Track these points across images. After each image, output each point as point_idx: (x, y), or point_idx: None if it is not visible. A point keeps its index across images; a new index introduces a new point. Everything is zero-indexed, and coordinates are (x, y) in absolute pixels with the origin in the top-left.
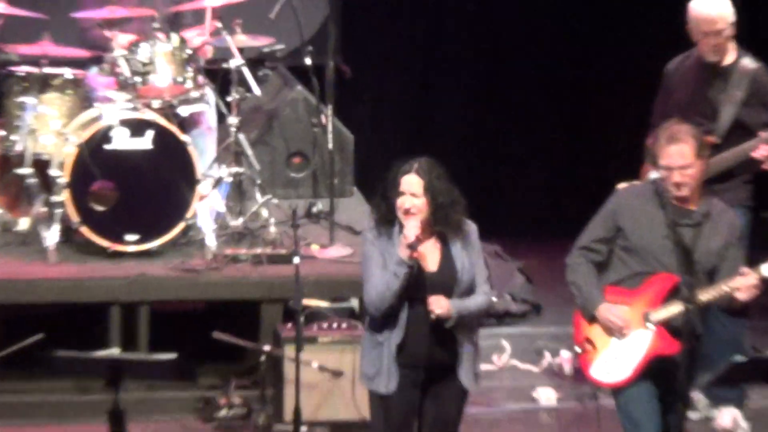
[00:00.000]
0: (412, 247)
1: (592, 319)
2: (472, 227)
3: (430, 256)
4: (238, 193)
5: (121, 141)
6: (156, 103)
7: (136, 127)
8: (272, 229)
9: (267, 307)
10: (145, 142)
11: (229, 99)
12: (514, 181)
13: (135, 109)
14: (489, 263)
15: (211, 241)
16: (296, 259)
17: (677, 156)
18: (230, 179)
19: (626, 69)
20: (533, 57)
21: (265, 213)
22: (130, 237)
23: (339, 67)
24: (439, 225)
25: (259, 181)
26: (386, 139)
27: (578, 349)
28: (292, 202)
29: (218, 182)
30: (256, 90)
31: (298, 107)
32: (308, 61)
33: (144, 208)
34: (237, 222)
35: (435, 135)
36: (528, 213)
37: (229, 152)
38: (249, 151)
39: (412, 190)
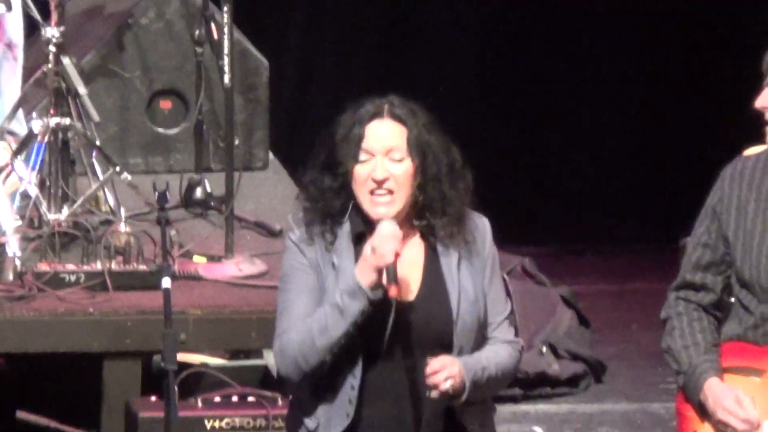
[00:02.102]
0: (389, 273)
1: (703, 408)
2: (482, 226)
3: (409, 273)
4: (61, 163)
5: None
6: None
7: None
8: (123, 227)
9: (113, 366)
10: None
11: None
12: (552, 168)
13: None
14: (510, 288)
15: (13, 250)
16: (166, 281)
17: None
18: (47, 139)
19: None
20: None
21: (110, 199)
22: None
23: None
24: (427, 216)
25: (98, 142)
26: (329, 74)
27: None
28: (158, 179)
29: (26, 143)
30: None
31: (169, 9)
32: None
33: None
34: (60, 215)
35: (418, 86)
36: (578, 213)
37: (44, 90)
38: (81, 89)
39: (387, 145)
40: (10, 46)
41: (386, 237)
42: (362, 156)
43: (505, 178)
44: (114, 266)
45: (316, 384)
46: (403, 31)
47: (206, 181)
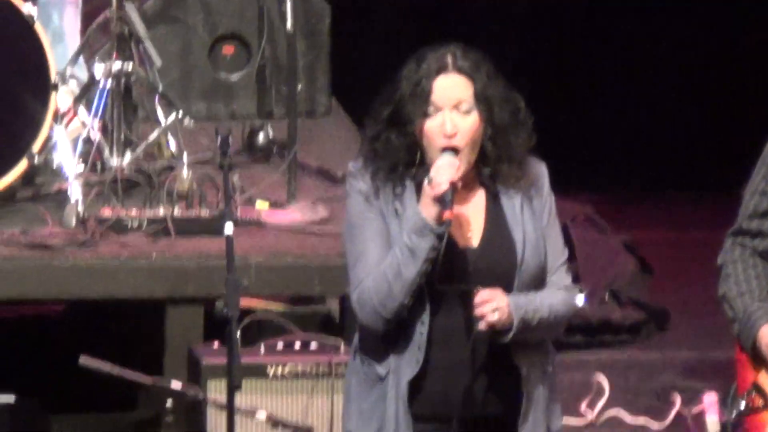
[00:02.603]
0: (444, 201)
1: (758, 355)
2: (540, 170)
3: (472, 220)
4: (123, 108)
5: None
6: None
7: None
8: (185, 173)
9: (176, 312)
10: None
11: None
12: (613, 115)
13: None
14: (573, 236)
15: (75, 196)
16: (228, 227)
17: None
18: (109, 83)
19: None
20: None
21: (171, 145)
22: None
23: None
24: (492, 163)
25: (160, 88)
26: (388, 17)
27: (742, 403)
28: (221, 124)
29: (89, 88)
30: None
31: None
32: None
33: None
34: (122, 160)
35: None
36: (639, 161)
37: (107, 35)
38: (142, 32)
39: (456, 98)
40: None
41: (442, 167)
42: (430, 110)
43: (566, 125)
44: (176, 212)
45: (391, 328)
46: None
47: (269, 127)
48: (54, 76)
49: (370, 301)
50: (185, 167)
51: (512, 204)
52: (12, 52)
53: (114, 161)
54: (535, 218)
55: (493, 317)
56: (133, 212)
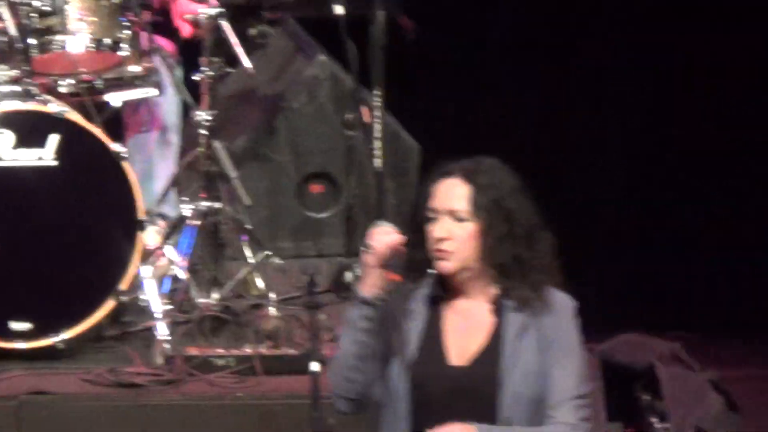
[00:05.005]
0: (388, 265)
1: None
2: (565, 303)
3: (472, 338)
4: (211, 246)
5: (3, 154)
6: (65, 85)
7: (30, 129)
8: (272, 311)
9: None
10: (46, 154)
11: (195, 78)
12: (701, 253)
13: (27, 94)
14: (660, 375)
15: (162, 334)
16: (314, 366)
17: None
18: (197, 222)
19: None
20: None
21: (259, 283)
22: (19, 326)
23: (398, 21)
24: (503, 280)
25: (249, 226)
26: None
27: None
28: (308, 263)
29: (176, 227)
30: (246, 61)
31: (321, 93)
32: (340, 9)
33: (43, 275)
34: (209, 299)
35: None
36: (726, 298)
37: (195, 174)
38: (231, 173)
39: (451, 206)
40: (164, 129)
41: (378, 233)
42: (431, 214)
43: (656, 263)
44: (263, 350)
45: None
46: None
47: (356, 266)
48: (142, 215)
49: (331, 375)
50: (272, 306)
51: (514, 327)
52: (100, 189)
53: (201, 300)
54: (541, 347)
55: None
56: (220, 351)
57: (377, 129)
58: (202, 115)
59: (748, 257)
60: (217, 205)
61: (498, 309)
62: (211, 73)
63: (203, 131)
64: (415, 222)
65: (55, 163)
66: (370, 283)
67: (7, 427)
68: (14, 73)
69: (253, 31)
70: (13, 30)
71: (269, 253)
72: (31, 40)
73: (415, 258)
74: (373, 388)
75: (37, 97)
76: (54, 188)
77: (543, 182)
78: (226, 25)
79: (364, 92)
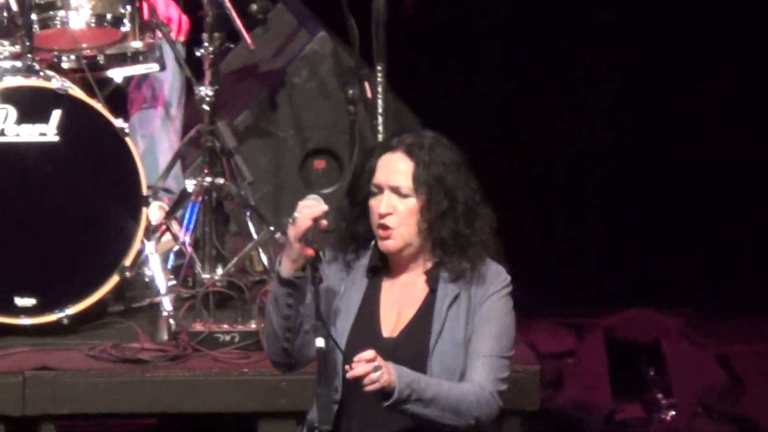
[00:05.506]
0: (306, 239)
1: None
2: (497, 272)
3: (404, 311)
4: (215, 223)
5: (5, 129)
6: (67, 61)
7: (32, 105)
8: None
9: (268, 426)
10: (49, 130)
11: (198, 53)
12: (709, 233)
13: (29, 70)
14: (665, 350)
15: (167, 310)
16: (319, 341)
17: None
18: (201, 198)
19: None
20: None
21: (263, 259)
22: (24, 302)
23: None
24: (439, 254)
25: (252, 202)
26: (485, 130)
27: None
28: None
29: (180, 203)
30: (247, 38)
31: (323, 69)
32: None
33: (47, 251)
34: (214, 274)
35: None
36: (733, 275)
37: (198, 150)
38: (233, 147)
39: (394, 181)
40: (167, 105)
41: (304, 206)
42: (373, 189)
43: (664, 241)
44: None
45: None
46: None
47: None
48: (145, 191)
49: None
50: None
51: (444, 299)
52: (103, 165)
53: (206, 275)
54: (471, 318)
55: (359, 371)
56: (225, 326)
57: (380, 104)
58: (204, 91)
59: (755, 232)
60: (220, 180)
61: (433, 281)
62: (212, 48)
63: (205, 107)
64: (357, 194)
65: (57, 138)
66: (291, 257)
67: (13, 403)
68: (16, 48)
69: (254, 7)
70: (14, 5)
71: (273, 228)
72: (33, 16)
73: (357, 231)
74: (306, 350)
75: (40, 73)
76: (57, 164)
77: (550, 155)
78: (227, 1)
79: (365, 68)
